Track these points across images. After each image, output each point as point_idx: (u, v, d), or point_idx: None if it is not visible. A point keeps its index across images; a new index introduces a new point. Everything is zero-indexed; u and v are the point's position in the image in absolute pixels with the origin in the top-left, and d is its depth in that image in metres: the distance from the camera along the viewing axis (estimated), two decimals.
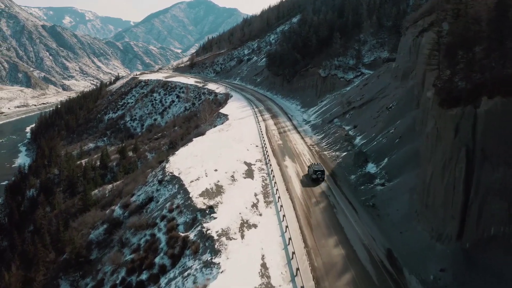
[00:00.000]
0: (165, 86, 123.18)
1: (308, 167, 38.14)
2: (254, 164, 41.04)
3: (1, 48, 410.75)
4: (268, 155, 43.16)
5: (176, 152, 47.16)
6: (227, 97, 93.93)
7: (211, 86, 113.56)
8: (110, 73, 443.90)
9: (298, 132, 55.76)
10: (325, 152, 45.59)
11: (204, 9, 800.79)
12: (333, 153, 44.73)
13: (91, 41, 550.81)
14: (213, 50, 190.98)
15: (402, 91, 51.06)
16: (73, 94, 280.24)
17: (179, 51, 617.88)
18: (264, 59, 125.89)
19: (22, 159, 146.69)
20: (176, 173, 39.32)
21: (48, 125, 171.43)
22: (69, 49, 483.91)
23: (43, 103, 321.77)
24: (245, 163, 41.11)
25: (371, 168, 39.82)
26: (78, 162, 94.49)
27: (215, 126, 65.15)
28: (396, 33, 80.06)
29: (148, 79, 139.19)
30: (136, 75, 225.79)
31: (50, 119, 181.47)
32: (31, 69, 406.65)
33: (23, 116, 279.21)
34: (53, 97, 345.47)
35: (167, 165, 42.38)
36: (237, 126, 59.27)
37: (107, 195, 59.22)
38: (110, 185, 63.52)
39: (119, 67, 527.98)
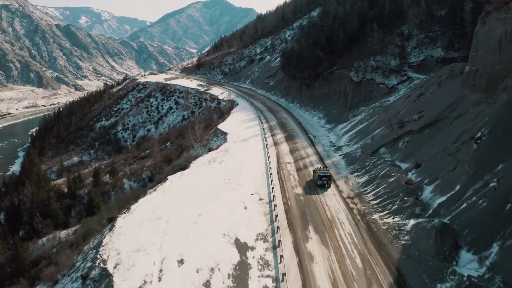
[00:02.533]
0: (164, 90, 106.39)
1: (313, 171, 33.89)
2: (253, 249, 22.92)
3: (14, 47, 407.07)
4: (278, 226, 24.96)
5: (132, 208, 29.51)
6: (231, 105, 76.27)
7: (215, 90, 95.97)
8: (124, 73, 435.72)
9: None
10: (375, 216, 27.00)
11: (220, 9, 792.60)
12: (390, 220, 26.15)
13: (105, 40, 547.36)
14: (224, 48, 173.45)
15: (492, 110, 32.07)
16: (84, 94, 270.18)
17: (194, 51, 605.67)
18: (278, 58, 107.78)
19: (18, 167, 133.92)
20: (110, 266, 21.62)
21: (48, 129, 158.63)
22: (83, 48, 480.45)
23: (53, 104, 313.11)
24: (237, 244, 23.06)
25: (468, 263, 21.25)
26: (53, 183, 78.95)
27: (210, 149, 47.57)
28: (451, 24, 60.71)
29: (146, 82, 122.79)
30: (144, 75, 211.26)
31: (50, 123, 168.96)
32: (44, 68, 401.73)
33: (30, 117, 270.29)
34: (64, 98, 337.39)
35: (105, 241, 24.74)
36: (236, 155, 41.37)
37: (54, 250, 42.54)
38: (64, 232, 46.88)
39: (133, 67, 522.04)
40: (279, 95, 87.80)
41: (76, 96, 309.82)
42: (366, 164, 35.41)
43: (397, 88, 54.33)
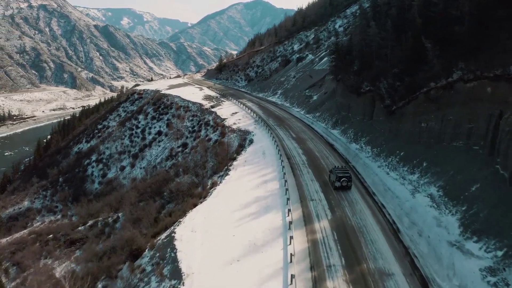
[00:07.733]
0: (158, 104, 74.20)
1: (330, 171, 28.99)
2: None
3: (50, 47, 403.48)
4: None
5: None
6: (242, 142, 41.68)
7: (226, 108, 61.72)
8: (162, 74, 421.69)
9: None
10: None
11: (261, 10, 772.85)
12: None
13: (144, 41, 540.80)
14: (255, 46, 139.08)
15: None
16: (112, 97, 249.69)
17: (234, 52, 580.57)
18: (325, 58, 71.81)
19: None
20: None
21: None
22: (121, 49, 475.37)
23: (82, 106, 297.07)
24: None
25: None
26: None
27: None
28: None
29: (144, 89, 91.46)
30: (170, 77, 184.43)
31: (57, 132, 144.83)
32: (79, 69, 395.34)
33: (55, 120, 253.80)
34: (97, 99, 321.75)
35: None
36: None
37: None
38: None
39: (171, 68, 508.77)
40: (328, 121, 51.12)
41: (109, 97, 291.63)
42: None
43: None
